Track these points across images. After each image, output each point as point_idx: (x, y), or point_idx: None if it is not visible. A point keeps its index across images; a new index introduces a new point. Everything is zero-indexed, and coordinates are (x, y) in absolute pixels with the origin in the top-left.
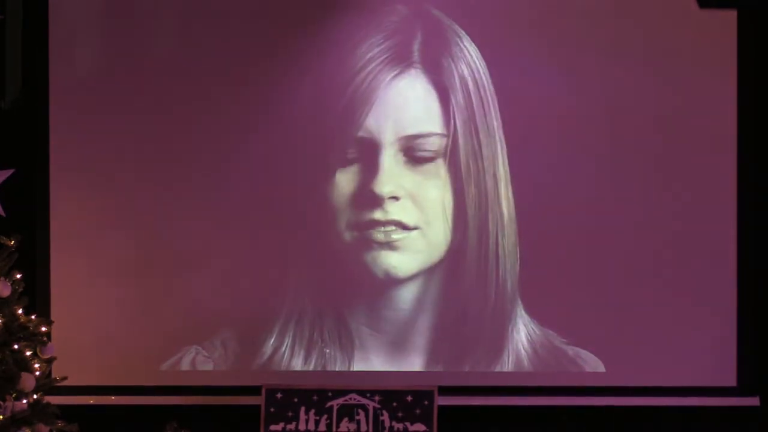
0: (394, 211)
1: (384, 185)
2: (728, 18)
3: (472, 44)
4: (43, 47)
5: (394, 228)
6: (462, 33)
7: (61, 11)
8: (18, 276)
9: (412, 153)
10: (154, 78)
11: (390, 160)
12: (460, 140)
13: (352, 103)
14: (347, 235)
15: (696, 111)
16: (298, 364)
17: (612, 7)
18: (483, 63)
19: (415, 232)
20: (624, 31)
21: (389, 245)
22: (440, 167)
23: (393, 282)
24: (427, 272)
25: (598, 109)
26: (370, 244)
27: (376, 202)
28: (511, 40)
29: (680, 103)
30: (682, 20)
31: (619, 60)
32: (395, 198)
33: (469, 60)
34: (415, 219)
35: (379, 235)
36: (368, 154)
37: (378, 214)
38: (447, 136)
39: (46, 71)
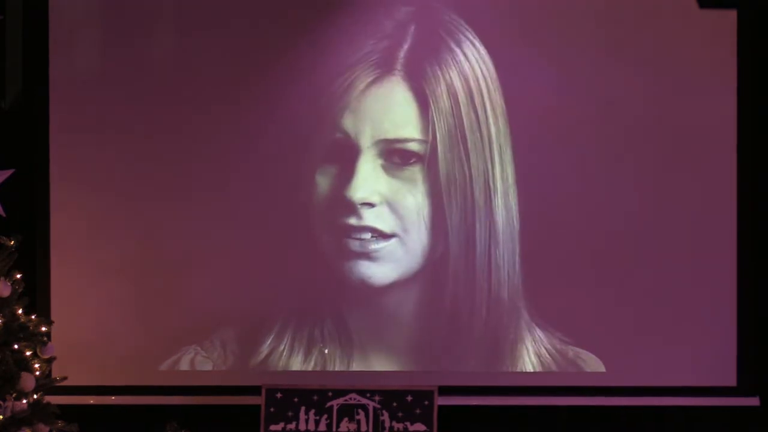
0: (369, 217)
1: (357, 190)
2: (728, 18)
3: (478, 53)
4: (43, 47)
5: (369, 235)
6: (464, 40)
7: (61, 11)
8: (18, 276)
9: (391, 158)
10: (153, 78)
11: (367, 165)
12: (442, 147)
13: (333, 105)
14: (336, 239)
15: (696, 111)
16: (297, 364)
17: (611, 7)
18: (488, 72)
19: (394, 240)
20: (624, 32)
21: (366, 255)
22: (418, 174)
23: (390, 285)
24: (425, 273)
25: (597, 109)
26: (358, 249)
27: (351, 207)
28: (511, 41)
29: (680, 103)
30: (682, 20)
31: (619, 60)
32: (370, 204)
33: (465, 68)
34: (392, 226)
35: (355, 243)
36: (346, 158)
37: (353, 220)
38: (426, 142)
39: (46, 71)
